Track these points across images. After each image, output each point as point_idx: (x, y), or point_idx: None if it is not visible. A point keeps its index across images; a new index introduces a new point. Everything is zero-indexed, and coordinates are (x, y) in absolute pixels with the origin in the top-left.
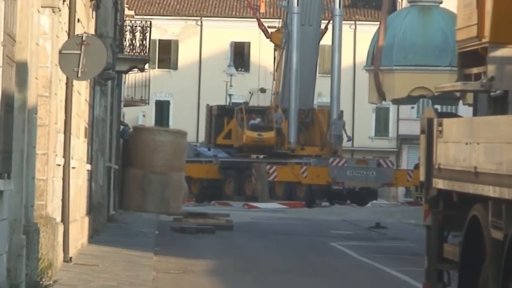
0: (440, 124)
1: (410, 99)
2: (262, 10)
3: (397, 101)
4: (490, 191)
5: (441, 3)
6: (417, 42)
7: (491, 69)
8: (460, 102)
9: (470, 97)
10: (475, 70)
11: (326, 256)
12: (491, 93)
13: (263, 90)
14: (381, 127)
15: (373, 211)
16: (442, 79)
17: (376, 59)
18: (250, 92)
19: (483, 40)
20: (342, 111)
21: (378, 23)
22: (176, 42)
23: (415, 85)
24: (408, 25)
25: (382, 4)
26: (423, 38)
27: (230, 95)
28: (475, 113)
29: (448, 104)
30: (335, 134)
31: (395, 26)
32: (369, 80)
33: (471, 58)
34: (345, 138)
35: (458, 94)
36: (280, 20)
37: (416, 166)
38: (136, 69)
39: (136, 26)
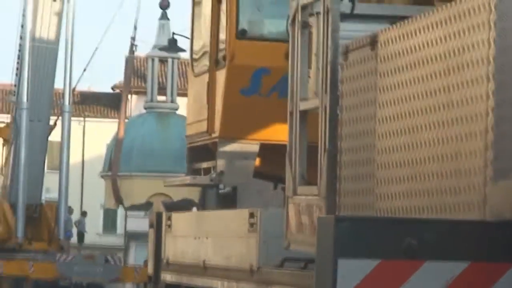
0: (169, 218)
1: (148, 205)
2: None
3: (135, 207)
4: (218, 285)
5: (177, 109)
6: (156, 148)
7: (220, 163)
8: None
9: None
10: (204, 165)
11: None
12: (220, 190)
13: None
14: (109, 224)
15: None
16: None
17: (114, 165)
18: None
19: (213, 135)
20: (70, 207)
21: (108, 120)
22: None
23: (154, 191)
24: (146, 131)
25: (120, 109)
26: (162, 144)
27: None
28: (203, 210)
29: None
30: (66, 230)
31: (133, 132)
32: (106, 186)
33: (200, 153)
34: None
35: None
36: (9, 115)
37: (145, 263)
38: None
39: None
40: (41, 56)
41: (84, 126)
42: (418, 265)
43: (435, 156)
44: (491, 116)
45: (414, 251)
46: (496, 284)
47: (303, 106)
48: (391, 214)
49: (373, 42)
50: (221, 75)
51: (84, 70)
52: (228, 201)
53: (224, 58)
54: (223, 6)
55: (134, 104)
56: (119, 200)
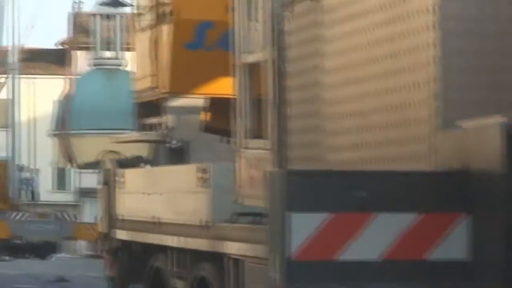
0: (121, 175)
1: (98, 163)
2: None
3: (86, 166)
4: (172, 241)
5: (120, 65)
6: (105, 105)
7: (169, 119)
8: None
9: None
10: (153, 120)
11: None
12: (170, 145)
13: None
14: (61, 181)
15: (55, 264)
16: None
17: (65, 123)
18: None
19: (160, 91)
20: (19, 165)
21: (56, 76)
22: None
23: (104, 148)
24: (94, 88)
25: (68, 66)
26: (111, 102)
27: None
28: (154, 165)
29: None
30: (17, 188)
31: (82, 90)
32: (58, 144)
33: (149, 108)
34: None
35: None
36: None
37: (98, 219)
38: None
39: None
40: None
41: (32, 84)
42: (369, 217)
43: (382, 107)
44: (438, 65)
45: (365, 203)
46: (446, 233)
47: (249, 59)
48: (340, 166)
49: None
50: (165, 30)
51: (32, 26)
52: (179, 156)
53: (168, 12)
54: None
55: (81, 60)
56: (70, 159)
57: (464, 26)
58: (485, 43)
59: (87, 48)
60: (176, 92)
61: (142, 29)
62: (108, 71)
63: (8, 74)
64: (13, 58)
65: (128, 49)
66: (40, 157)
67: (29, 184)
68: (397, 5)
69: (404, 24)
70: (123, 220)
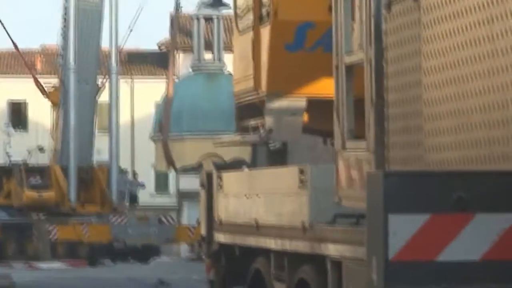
0: (220, 178)
1: (199, 167)
2: (39, 67)
3: (186, 169)
4: (272, 243)
5: (224, 68)
6: (206, 109)
7: (269, 120)
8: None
9: None
10: (253, 122)
11: None
12: (270, 146)
13: (41, 149)
14: (161, 184)
15: (156, 268)
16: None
17: (165, 127)
18: (28, 151)
19: (260, 92)
20: (121, 168)
21: (157, 79)
22: None
23: (205, 151)
24: (195, 92)
25: (168, 70)
26: (212, 104)
27: (8, 154)
28: (254, 167)
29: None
30: (119, 191)
31: (182, 93)
32: (157, 148)
33: (249, 110)
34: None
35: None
36: (57, 77)
37: (198, 222)
38: None
39: None
40: (86, 17)
41: (132, 86)
42: (468, 218)
43: (483, 106)
44: None
45: (464, 204)
46: None
47: (348, 59)
48: (441, 166)
49: None
50: (265, 31)
51: (131, 30)
52: (279, 157)
53: (267, 13)
54: None
55: (181, 62)
56: (171, 163)
57: None
58: None
59: (187, 50)
60: (275, 93)
61: (242, 31)
62: (209, 74)
63: (108, 76)
64: (113, 61)
65: (228, 50)
66: (140, 160)
67: (131, 188)
68: (496, 4)
69: (503, 23)
70: (222, 223)
